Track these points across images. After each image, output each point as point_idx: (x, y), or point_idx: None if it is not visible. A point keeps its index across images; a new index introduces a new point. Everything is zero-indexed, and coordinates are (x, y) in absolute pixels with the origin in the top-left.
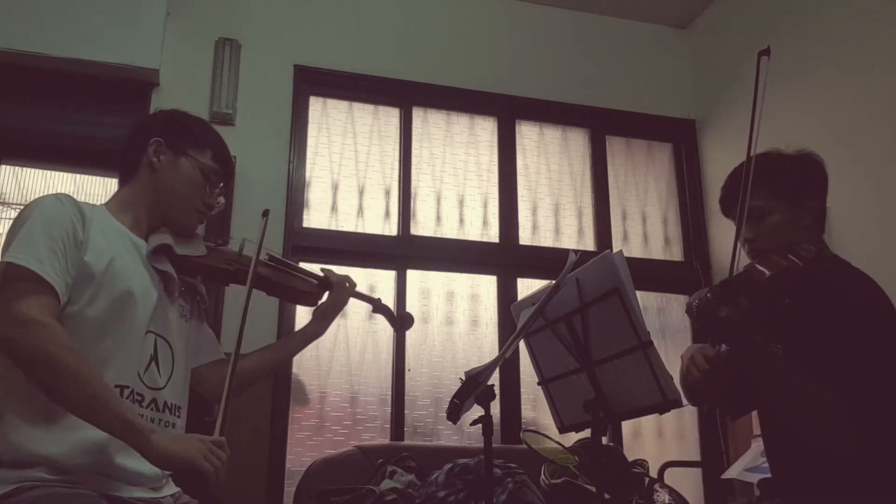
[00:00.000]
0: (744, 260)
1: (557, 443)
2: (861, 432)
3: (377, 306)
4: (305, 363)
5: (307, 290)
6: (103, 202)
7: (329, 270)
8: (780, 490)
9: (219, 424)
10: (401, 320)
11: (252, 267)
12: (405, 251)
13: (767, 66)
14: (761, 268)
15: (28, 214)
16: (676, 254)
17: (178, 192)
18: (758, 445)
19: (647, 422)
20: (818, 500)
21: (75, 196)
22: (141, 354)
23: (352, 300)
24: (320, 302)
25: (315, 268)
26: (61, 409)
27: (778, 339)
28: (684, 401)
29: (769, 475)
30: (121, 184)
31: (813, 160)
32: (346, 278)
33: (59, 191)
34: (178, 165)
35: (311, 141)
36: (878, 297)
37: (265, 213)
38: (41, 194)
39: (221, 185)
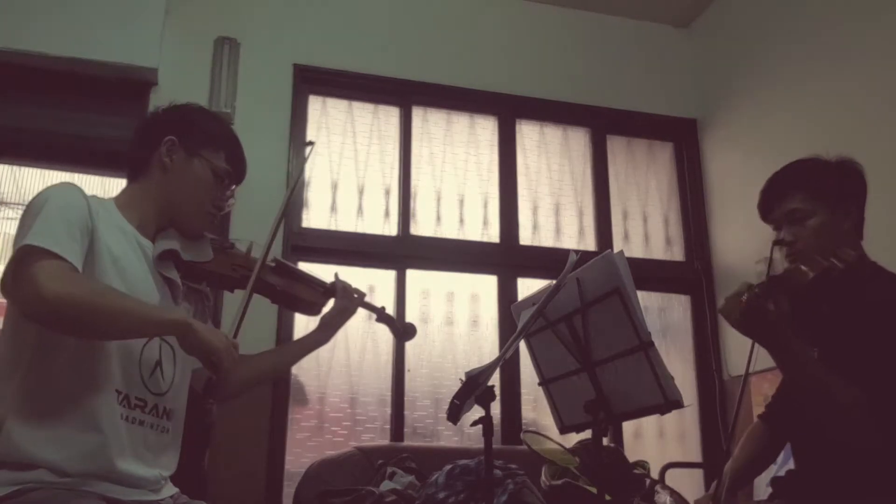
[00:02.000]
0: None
1: (558, 444)
2: (887, 431)
3: (381, 316)
4: (305, 364)
5: (311, 300)
6: (112, 196)
7: (339, 279)
8: (802, 487)
9: (234, 329)
10: (403, 330)
11: (261, 258)
12: (405, 251)
13: None
14: (805, 269)
15: (43, 201)
16: (678, 254)
17: (189, 193)
18: None
19: (649, 422)
20: (839, 496)
21: None
22: (146, 359)
23: None
24: (324, 310)
25: (315, 268)
26: (62, 414)
27: (814, 342)
28: (685, 401)
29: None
30: (129, 180)
31: (852, 166)
32: (355, 290)
33: None
34: (190, 166)
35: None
36: None
37: (310, 143)
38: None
39: (234, 187)
